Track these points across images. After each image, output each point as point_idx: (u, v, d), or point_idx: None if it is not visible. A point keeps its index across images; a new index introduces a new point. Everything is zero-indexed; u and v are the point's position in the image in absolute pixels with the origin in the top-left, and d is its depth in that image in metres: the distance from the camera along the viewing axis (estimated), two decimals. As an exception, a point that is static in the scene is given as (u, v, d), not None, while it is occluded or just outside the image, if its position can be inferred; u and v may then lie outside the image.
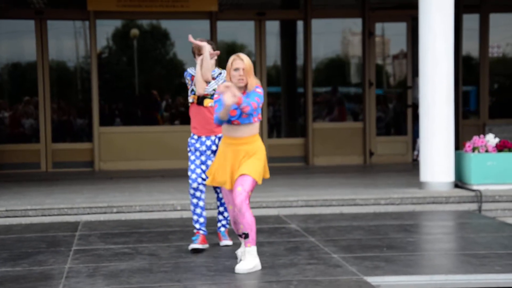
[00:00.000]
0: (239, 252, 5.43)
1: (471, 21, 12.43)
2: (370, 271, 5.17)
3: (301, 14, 12.01)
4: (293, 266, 5.36)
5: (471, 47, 12.62)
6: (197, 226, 5.94)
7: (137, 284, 4.91)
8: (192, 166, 5.88)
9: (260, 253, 5.79)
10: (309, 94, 12.02)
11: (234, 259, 5.59)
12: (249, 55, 12.22)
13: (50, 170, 11.44)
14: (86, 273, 5.21)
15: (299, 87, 12.35)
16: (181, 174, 10.42)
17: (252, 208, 7.68)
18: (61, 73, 11.90)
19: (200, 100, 5.87)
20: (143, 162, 11.39)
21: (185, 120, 12.01)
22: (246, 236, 5.12)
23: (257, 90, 5.16)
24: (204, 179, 5.87)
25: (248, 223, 5.07)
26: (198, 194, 5.89)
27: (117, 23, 11.98)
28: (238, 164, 5.12)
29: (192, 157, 5.91)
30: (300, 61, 12.25)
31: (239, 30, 12.19)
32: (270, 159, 11.90)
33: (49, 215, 7.56)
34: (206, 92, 5.86)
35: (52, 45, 11.56)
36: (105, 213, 7.64)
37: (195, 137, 5.94)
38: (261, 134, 11.97)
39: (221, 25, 11.78)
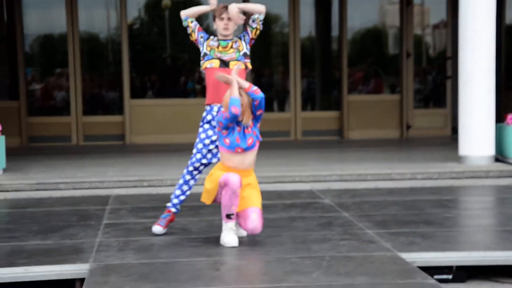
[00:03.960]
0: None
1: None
2: (405, 247, 5.04)
3: (337, -17, 11.75)
4: (326, 241, 5.26)
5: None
6: (176, 201, 5.65)
7: (167, 258, 4.87)
8: (200, 145, 5.56)
9: (292, 228, 5.74)
10: (344, 66, 11.79)
11: (264, 234, 5.51)
12: (283, 26, 12.07)
13: (81, 144, 11.45)
14: (116, 247, 5.19)
15: (334, 58, 12.12)
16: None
17: (285, 182, 7.66)
18: (91, 44, 11.85)
19: (225, 63, 5.48)
20: (174, 136, 11.32)
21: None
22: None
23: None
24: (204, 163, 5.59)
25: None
26: (195, 172, 5.63)
27: (148, -6, 11.89)
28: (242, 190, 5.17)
29: (203, 135, 5.54)
30: (335, 32, 12.01)
31: (272, 0, 11.96)
32: (304, 133, 11.88)
33: (80, 189, 7.55)
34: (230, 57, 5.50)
35: (82, 16, 11.46)
36: (135, 186, 7.60)
37: (215, 109, 5.53)
38: (294, 107, 11.85)
39: (252, -3, 11.58)
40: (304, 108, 12.02)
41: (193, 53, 12.10)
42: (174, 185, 7.60)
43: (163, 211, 5.79)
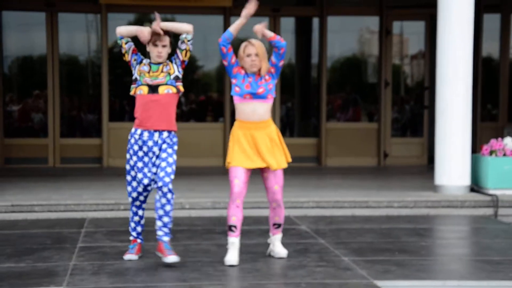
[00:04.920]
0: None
1: (492, 21, 12.22)
2: (380, 275, 5.07)
3: (317, 11, 11.85)
4: (302, 268, 5.27)
5: (491, 48, 12.41)
6: (134, 234, 5.63)
7: (142, 283, 4.84)
8: (133, 173, 5.54)
9: (268, 255, 5.71)
10: (323, 93, 11.86)
11: (241, 260, 5.47)
12: (263, 52, 12.13)
13: (58, 166, 11.34)
14: (90, 271, 5.16)
15: (313, 86, 12.19)
16: (192, 172, 10.33)
17: (262, 208, 7.56)
18: (71, 67, 11.79)
19: (154, 88, 5.41)
20: (152, 159, 11.25)
21: (199, 116, 11.94)
22: (278, 226, 5.60)
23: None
24: (146, 184, 5.49)
25: (283, 215, 5.64)
26: (137, 203, 5.61)
27: (130, 17, 11.85)
28: (264, 148, 5.42)
29: (134, 159, 5.51)
30: (315, 59, 12.09)
31: (253, 26, 12.00)
32: (282, 159, 11.87)
33: (56, 211, 7.47)
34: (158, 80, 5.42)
35: (62, 38, 11.42)
36: (112, 210, 7.55)
37: (138, 132, 5.46)
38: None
39: (235, 21, 11.62)
40: (282, 134, 11.98)
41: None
42: (151, 209, 7.56)
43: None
